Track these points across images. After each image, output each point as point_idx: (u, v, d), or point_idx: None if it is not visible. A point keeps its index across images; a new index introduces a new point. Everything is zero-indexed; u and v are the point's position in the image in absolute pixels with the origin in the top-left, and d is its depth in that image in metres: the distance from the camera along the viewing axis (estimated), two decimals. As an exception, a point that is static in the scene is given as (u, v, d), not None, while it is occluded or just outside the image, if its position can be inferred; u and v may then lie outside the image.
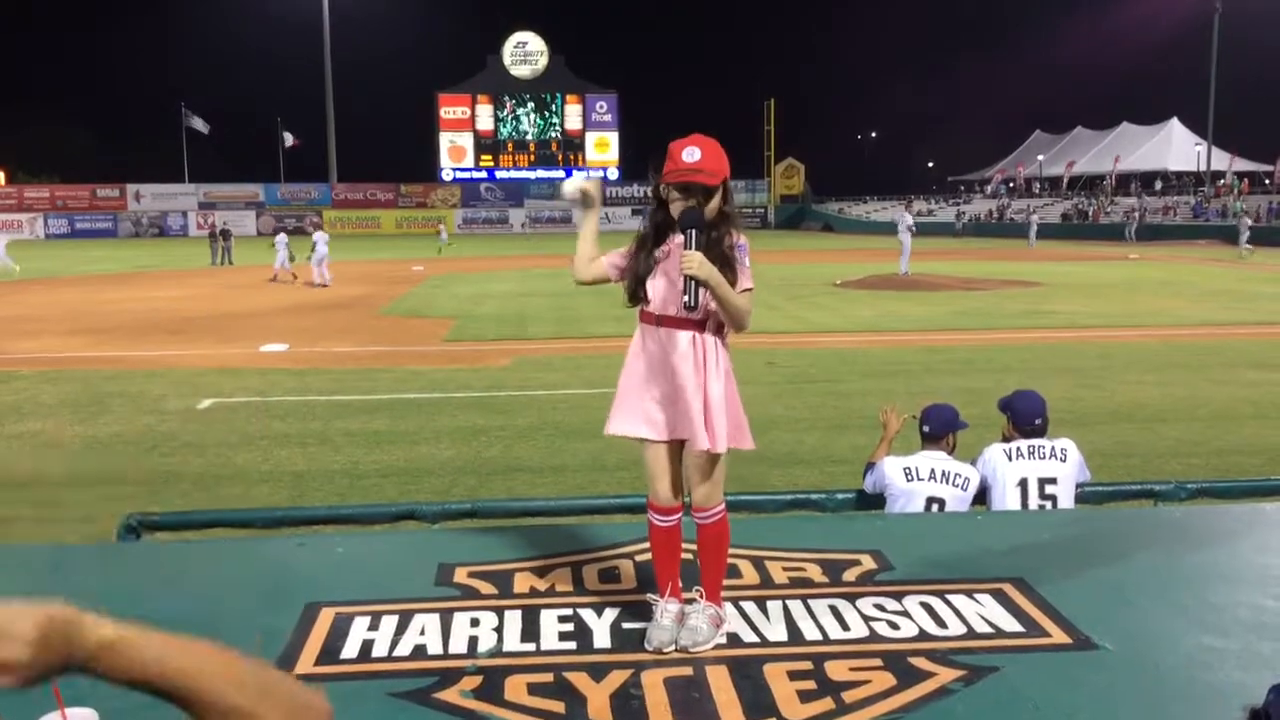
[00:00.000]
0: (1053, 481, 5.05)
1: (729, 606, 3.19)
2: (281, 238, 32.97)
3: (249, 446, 10.08)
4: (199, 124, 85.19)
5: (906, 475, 4.96)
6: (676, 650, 2.99)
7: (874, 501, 5.11)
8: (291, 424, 11.04)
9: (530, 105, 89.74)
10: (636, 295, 3.15)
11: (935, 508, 4.91)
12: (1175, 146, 78.41)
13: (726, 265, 3.01)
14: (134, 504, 5.92)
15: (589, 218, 3.31)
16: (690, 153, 3.03)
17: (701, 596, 3.10)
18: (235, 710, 1.22)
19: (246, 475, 9.10)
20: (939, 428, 5.16)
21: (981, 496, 5.10)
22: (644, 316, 3.14)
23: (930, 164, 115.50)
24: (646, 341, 3.13)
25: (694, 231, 2.97)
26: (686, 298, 2.95)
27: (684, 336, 3.05)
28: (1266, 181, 68.69)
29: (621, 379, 3.17)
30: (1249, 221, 45.12)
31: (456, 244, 54.35)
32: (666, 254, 3.10)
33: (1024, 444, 5.12)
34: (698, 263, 2.92)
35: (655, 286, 3.10)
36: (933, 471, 4.96)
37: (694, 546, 3.18)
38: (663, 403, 3.08)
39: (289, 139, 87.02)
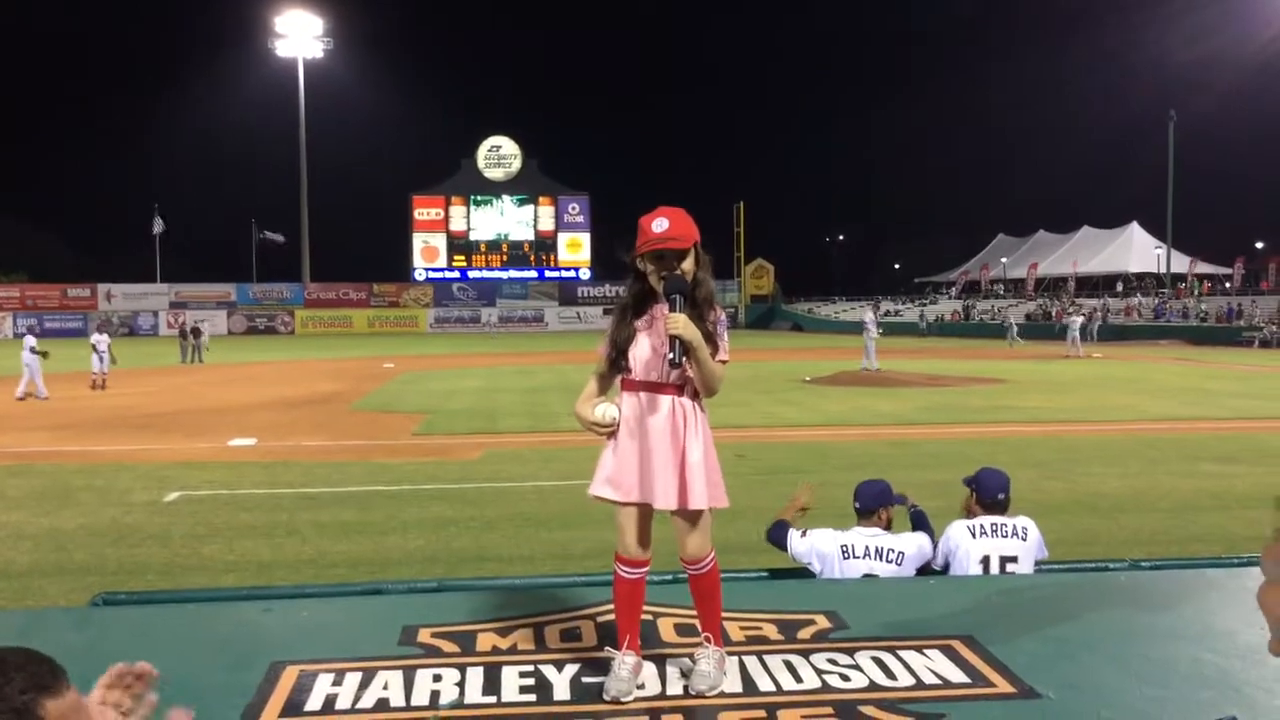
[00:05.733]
0: (1014, 560, 5.15)
1: (686, 661, 3.28)
2: (102, 339, 28.74)
3: (215, 538, 10.03)
4: (157, 225, 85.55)
5: (844, 553, 5.03)
6: (690, 696, 3.10)
7: None
8: (259, 516, 11.00)
9: (503, 207, 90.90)
10: (618, 364, 3.32)
11: None
12: (1136, 249, 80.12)
13: (709, 339, 3.22)
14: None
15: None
16: (659, 223, 3.23)
17: (710, 642, 3.23)
18: None
19: (212, 566, 9.05)
20: (870, 502, 5.22)
21: (944, 572, 5.19)
22: (625, 384, 3.32)
23: (897, 265, 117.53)
24: (625, 408, 3.29)
25: (679, 297, 3.18)
26: (671, 355, 3.12)
27: (664, 400, 3.23)
28: (1226, 285, 70.29)
29: (606, 443, 3.34)
30: (1012, 318, 59.06)
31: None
32: (648, 323, 3.29)
33: (986, 521, 5.22)
34: (683, 323, 3.12)
35: (637, 354, 3.28)
36: (867, 548, 5.03)
37: (657, 606, 3.27)
38: (639, 465, 3.23)
39: (277, 238, 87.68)
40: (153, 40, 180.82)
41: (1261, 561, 1.79)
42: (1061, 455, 14.83)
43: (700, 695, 3.09)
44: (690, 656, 3.30)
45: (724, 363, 3.27)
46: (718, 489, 3.25)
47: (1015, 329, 54.81)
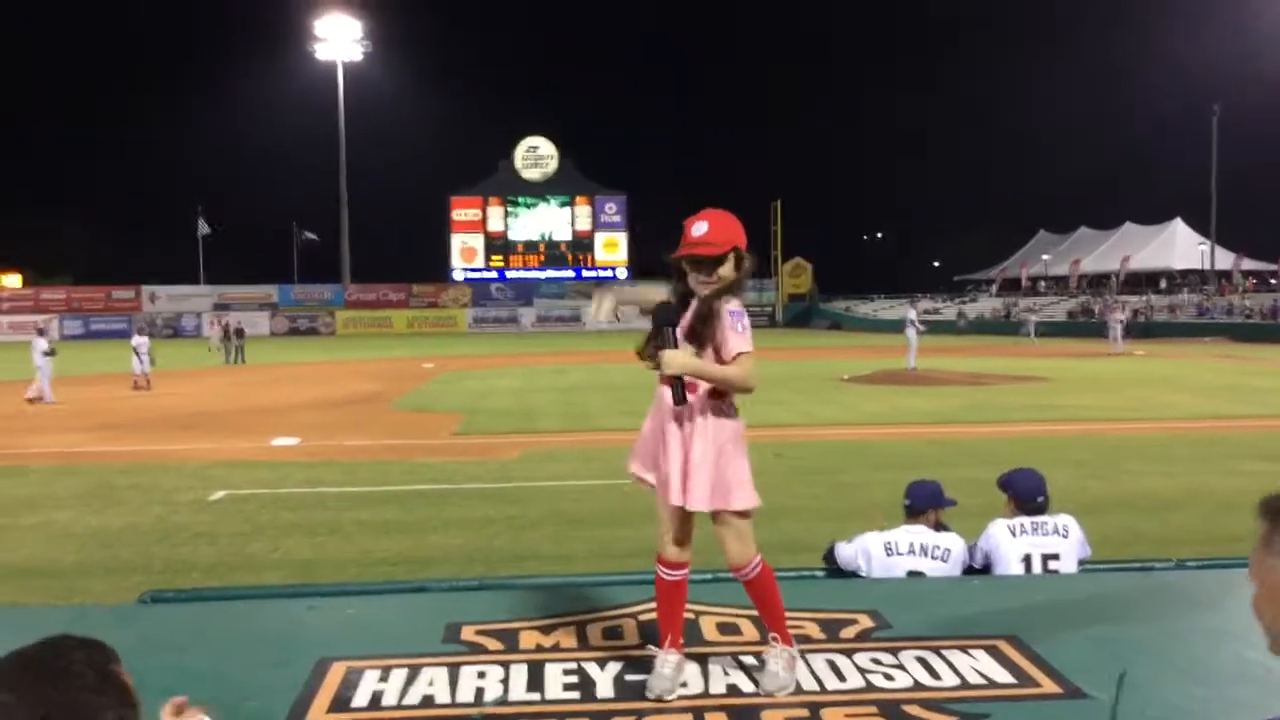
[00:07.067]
0: (1055, 557, 5.12)
1: (729, 659, 3.29)
2: (142, 341, 28.77)
3: (260, 536, 10.15)
4: (203, 227, 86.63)
5: (887, 550, 5.01)
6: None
7: None
8: (302, 514, 11.12)
9: (540, 207, 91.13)
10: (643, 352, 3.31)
11: None
12: (1179, 246, 79.06)
13: (706, 322, 3.15)
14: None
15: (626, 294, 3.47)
16: (698, 227, 3.20)
17: (776, 641, 3.21)
18: None
19: (257, 564, 9.16)
20: (921, 502, 5.21)
21: (985, 571, 5.17)
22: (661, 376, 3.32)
23: (936, 263, 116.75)
24: (657, 396, 3.31)
25: (669, 329, 3.15)
26: (674, 393, 3.13)
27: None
28: (1272, 281, 69.25)
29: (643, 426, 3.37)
30: (1033, 318, 59.04)
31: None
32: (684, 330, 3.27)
33: (1026, 520, 5.19)
34: (674, 361, 3.11)
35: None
36: (912, 545, 5.02)
37: (699, 605, 3.28)
38: (658, 454, 3.25)
39: (311, 237, 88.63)
40: (197, 44, 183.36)
41: (1250, 571, 1.79)
42: (1104, 453, 14.68)
43: (770, 695, 3.08)
44: (753, 656, 3.31)
45: (747, 353, 3.14)
46: (725, 492, 3.16)
47: (1033, 326, 54.47)
